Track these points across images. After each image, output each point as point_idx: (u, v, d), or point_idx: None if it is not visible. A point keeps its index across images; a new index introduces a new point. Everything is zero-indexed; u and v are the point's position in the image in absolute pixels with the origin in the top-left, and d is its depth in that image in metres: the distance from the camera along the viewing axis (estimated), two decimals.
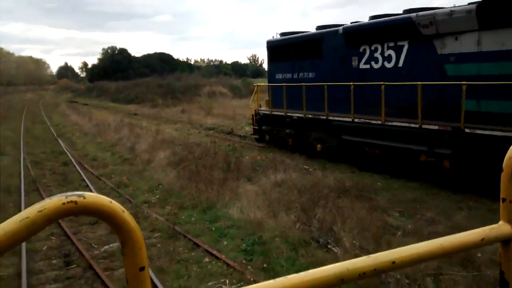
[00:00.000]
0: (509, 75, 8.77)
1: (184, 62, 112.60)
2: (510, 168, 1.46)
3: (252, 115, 17.50)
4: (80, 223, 8.70)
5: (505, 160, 1.47)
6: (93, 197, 0.96)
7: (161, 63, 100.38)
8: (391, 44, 11.60)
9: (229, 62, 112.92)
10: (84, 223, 8.68)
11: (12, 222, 0.90)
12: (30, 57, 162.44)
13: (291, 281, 1.14)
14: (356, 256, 4.60)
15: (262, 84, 18.16)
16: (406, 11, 11.39)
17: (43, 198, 7.35)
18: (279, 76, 16.17)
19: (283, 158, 13.11)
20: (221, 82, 52.51)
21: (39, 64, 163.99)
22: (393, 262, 1.26)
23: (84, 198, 0.94)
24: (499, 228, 1.48)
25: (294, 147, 15.06)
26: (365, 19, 12.79)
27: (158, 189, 10.85)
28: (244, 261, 6.51)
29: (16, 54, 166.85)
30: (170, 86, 49.48)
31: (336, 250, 6.40)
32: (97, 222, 8.58)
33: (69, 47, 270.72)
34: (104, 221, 0.99)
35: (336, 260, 6.09)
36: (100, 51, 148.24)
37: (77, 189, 10.76)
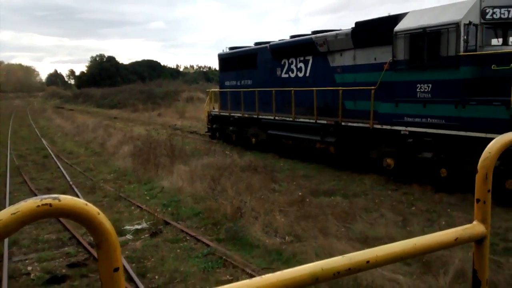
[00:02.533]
0: (371, 82, 11.86)
1: (171, 69, 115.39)
2: (484, 170, 1.51)
3: (207, 116, 20.60)
4: None
5: (479, 162, 1.53)
6: (68, 199, 0.97)
7: (149, 70, 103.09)
8: (301, 58, 14.73)
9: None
10: None
11: None
12: (20, 65, 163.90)
13: (266, 280, 1.16)
14: (231, 201, 7.71)
15: (215, 90, 21.24)
16: (313, 33, 14.52)
17: (24, 180, 10.54)
18: (227, 83, 19.27)
19: (216, 147, 16.23)
20: (200, 88, 55.52)
21: (28, 71, 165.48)
22: (368, 262, 1.30)
23: (59, 200, 0.95)
24: (473, 228, 1.53)
25: (236, 141, 18.16)
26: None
27: (115, 172, 13.86)
28: (159, 210, 9.53)
29: (6, 61, 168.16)
30: (151, 92, 52.48)
31: (221, 201, 9.43)
32: None
33: (60, 54, 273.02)
34: (80, 223, 1.00)
35: (218, 204, 9.15)
36: (90, 58, 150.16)
37: (52, 174, 13.82)
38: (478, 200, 1.56)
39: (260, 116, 16.26)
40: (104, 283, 1.05)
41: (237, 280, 6.10)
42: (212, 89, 21.51)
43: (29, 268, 6.99)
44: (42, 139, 23.56)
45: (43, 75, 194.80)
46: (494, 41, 9.80)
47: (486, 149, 1.56)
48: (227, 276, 6.34)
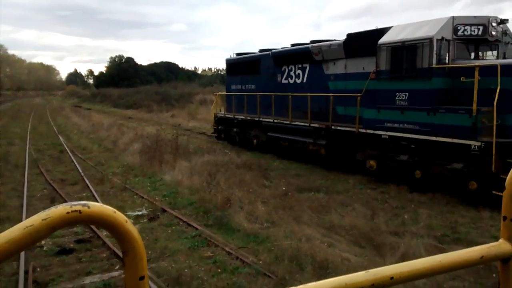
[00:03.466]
0: (359, 89, 12.84)
1: (189, 71, 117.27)
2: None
3: (213, 118, 21.77)
4: None
5: (507, 179, 1.49)
6: (97, 206, 0.99)
7: (167, 72, 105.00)
8: (300, 66, 15.79)
9: None
10: None
11: (16, 229, 0.92)
12: (41, 64, 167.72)
13: None
14: (222, 193, 8.84)
15: (222, 93, 22.41)
16: (311, 42, 15.57)
17: (41, 171, 11.86)
18: (233, 87, 20.42)
19: (217, 147, 17.37)
20: (215, 90, 56.82)
21: (49, 70, 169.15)
22: (392, 278, 1.29)
23: (89, 207, 0.97)
24: (499, 246, 1.48)
25: (239, 142, 19.28)
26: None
27: (124, 166, 15.07)
28: (157, 199, 10.67)
29: (29, 60, 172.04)
30: (166, 93, 53.96)
31: (214, 193, 10.52)
32: None
33: (81, 54, 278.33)
34: (107, 230, 1.03)
35: (210, 196, 10.24)
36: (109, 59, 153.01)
37: (66, 167, 15.09)
38: (505, 218, 1.50)
39: (261, 119, 17.35)
40: None
41: (217, 256, 7.20)
42: (219, 93, 22.69)
43: (43, 242, 8.16)
44: (59, 136, 24.97)
45: (64, 74, 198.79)
46: (466, 55, 10.73)
47: None
48: (208, 253, 7.42)
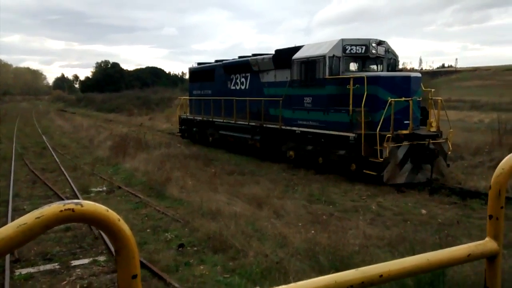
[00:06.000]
0: (283, 95, 15.95)
1: (174, 76, 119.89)
2: (498, 186, 1.52)
3: (178, 119, 24.88)
4: None
5: (493, 178, 1.54)
6: (90, 205, 1.01)
7: (152, 77, 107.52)
8: (243, 75, 18.94)
9: None
10: None
11: (10, 228, 0.93)
12: (27, 68, 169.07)
13: None
14: (166, 174, 11.96)
15: (185, 97, 25.54)
16: (252, 55, 18.72)
17: (25, 163, 15.10)
18: (194, 92, 23.54)
19: (174, 143, 20.48)
20: None
21: (36, 75, 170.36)
22: (381, 276, 1.33)
23: (82, 206, 0.99)
24: (485, 244, 1.53)
25: (199, 139, 22.39)
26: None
27: (95, 158, 18.06)
28: (116, 179, 13.71)
29: (16, 64, 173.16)
30: (147, 98, 56.95)
31: (160, 174, 13.56)
32: None
33: (69, 59, 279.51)
34: (100, 229, 1.06)
35: (157, 177, 13.27)
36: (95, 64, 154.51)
37: (47, 159, 18.06)
38: (490, 217, 1.53)
39: (214, 120, 20.48)
40: None
41: (149, 212, 10.23)
42: (183, 97, 25.81)
43: (25, 207, 11.14)
44: (43, 136, 27.82)
45: (52, 79, 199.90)
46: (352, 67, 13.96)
47: (500, 165, 1.56)
48: (144, 211, 10.47)
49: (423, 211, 9.89)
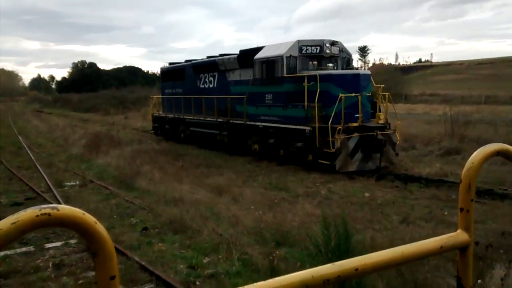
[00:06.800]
0: (247, 92, 16.94)
1: (153, 75, 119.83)
2: (468, 179, 1.56)
3: (151, 117, 25.71)
4: None
5: (463, 172, 1.58)
6: (66, 209, 1.00)
7: (130, 76, 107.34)
8: (211, 74, 19.88)
9: None
10: None
11: None
12: (2, 70, 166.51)
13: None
14: (136, 168, 12.85)
15: (158, 96, 26.39)
16: (219, 55, 19.66)
17: (1, 161, 15.77)
18: (166, 91, 24.39)
19: (145, 139, 21.37)
20: None
21: (11, 76, 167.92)
22: (356, 269, 1.35)
23: (58, 210, 0.98)
24: (457, 236, 1.58)
25: (171, 136, 23.27)
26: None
27: (69, 156, 18.81)
28: (88, 174, 14.53)
29: None
30: (124, 97, 57.40)
31: (130, 168, 14.43)
32: None
33: (45, 59, 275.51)
34: (77, 232, 1.05)
35: (127, 170, 14.14)
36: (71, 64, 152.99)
37: (23, 158, 18.74)
38: (462, 209, 1.58)
39: (185, 117, 21.40)
40: None
41: (118, 201, 11.12)
42: (155, 96, 26.65)
43: (1, 200, 11.90)
44: (19, 136, 28.31)
45: (28, 80, 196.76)
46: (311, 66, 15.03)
47: (470, 159, 1.60)
48: (113, 201, 11.35)
49: (367, 194, 11.02)
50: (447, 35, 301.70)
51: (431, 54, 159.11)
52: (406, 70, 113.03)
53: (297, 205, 9.97)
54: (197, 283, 6.32)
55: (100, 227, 1.06)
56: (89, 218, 1.04)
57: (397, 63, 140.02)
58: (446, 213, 8.90)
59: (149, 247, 7.88)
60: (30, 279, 6.70)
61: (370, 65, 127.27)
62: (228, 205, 10.05)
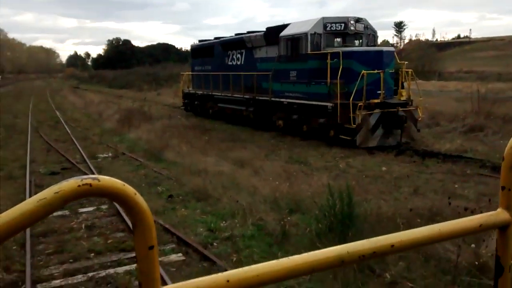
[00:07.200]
0: (276, 70, 17.28)
1: (186, 51, 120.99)
2: (510, 157, 1.50)
3: (181, 93, 26.42)
4: None
5: (506, 150, 1.51)
6: (106, 180, 1.02)
7: (164, 53, 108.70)
8: (239, 51, 20.27)
9: None
10: None
11: (30, 203, 0.96)
12: (41, 47, 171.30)
13: (293, 262, 1.22)
14: (165, 142, 13.58)
15: (188, 73, 27.01)
16: (247, 32, 20.00)
17: (40, 135, 16.92)
18: (196, 68, 24.97)
19: (175, 115, 22.07)
20: None
21: (49, 53, 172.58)
22: (392, 246, 1.34)
23: (99, 181, 1.00)
24: (497, 215, 1.54)
25: (200, 112, 23.92)
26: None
27: (103, 130, 19.73)
28: (119, 147, 15.33)
29: (29, 43, 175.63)
30: (157, 74, 58.51)
31: (160, 142, 15.13)
32: None
33: (82, 36, 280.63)
34: (117, 203, 1.07)
35: (156, 143, 14.84)
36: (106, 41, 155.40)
37: (59, 131, 19.81)
38: (503, 188, 1.54)
39: (213, 93, 21.95)
40: (140, 260, 1.10)
41: (147, 172, 11.83)
42: (186, 72, 27.28)
43: (40, 170, 12.82)
44: (56, 111, 29.59)
45: (65, 57, 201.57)
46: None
47: None
48: (142, 171, 12.06)
49: (384, 168, 11.34)
50: (489, 9, 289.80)
51: (470, 29, 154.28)
52: (443, 46, 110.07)
53: (314, 177, 10.40)
54: (214, 244, 6.90)
55: (140, 198, 1.07)
56: (129, 189, 1.05)
57: (434, 39, 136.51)
58: (457, 186, 9.17)
59: (173, 212, 8.51)
60: (65, 238, 7.43)
61: (406, 41, 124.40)
62: (248, 176, 10.57)
